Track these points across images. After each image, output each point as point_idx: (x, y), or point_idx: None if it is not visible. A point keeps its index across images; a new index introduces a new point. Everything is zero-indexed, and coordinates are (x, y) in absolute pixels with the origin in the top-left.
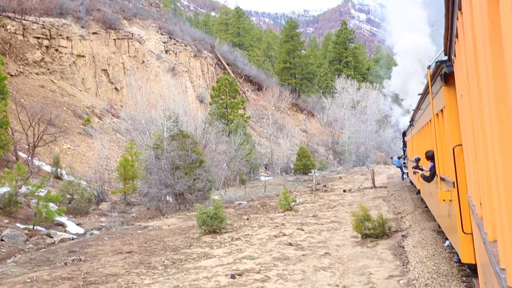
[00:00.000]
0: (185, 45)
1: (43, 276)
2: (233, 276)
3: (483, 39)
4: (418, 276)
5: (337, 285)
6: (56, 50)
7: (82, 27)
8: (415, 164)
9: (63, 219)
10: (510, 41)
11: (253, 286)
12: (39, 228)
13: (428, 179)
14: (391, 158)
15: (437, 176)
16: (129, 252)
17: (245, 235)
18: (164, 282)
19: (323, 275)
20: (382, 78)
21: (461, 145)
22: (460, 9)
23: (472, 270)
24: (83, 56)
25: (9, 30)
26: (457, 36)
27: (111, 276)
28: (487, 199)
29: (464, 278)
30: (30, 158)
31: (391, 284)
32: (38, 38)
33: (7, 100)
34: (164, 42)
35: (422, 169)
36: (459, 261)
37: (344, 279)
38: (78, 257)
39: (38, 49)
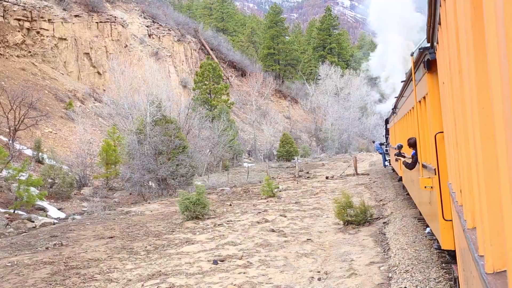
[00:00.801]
0: (169, 30)
1: (24, 260)
2: (215, 262)
3: (465, 26)
4: (399, 263)
5: (319, 271)
6: (38, 32)
7: (64, 9)
8: (397, 151)
9: (44, 203)
10: (492, 28)
11: (235, 272)
12: (20, 212)
13: (410, 166)
14: (373, 142)
15: (419, 163)
16: (111, 237)
17: (228, 221)
18: (146, 267)
19: (305, 261)
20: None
21: (442, 132)
22: None
23: (451, 257)
24: (65, 39)
25: None
26: (440, 23)
27: (93, 261)
28: (467, 187)
29: (443, 265)
30: (11, 141)
31: (372, 270)
32: (19, 20)
33: None
34: (147, 26)
35: (404, 156)
36: (439, 248)
37: (326, 265)
38: (60, 242)
39: (19, 31)
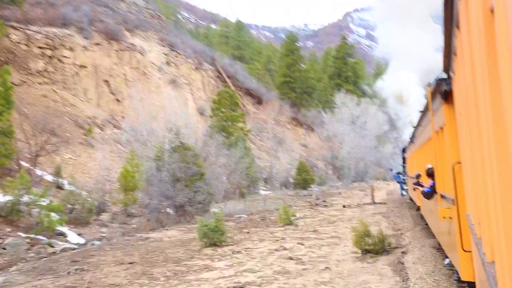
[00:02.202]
0: (186, 57)
1: (47, 284)
2: None
3: (480, 58)
4: None
5: None
6: (59, 60)
7: (85, 37)
8: (415, 180)
9: (64, 229)
10: (505, 61)
11: None
12: (40, 237)
13: (428, 196)
14: (391, 170)
15: (436, 193)
16: (131, 263)
17: (246, 248)
18: None
19: None
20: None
21: (460, 162)
22: (458, 26)
23: None
24: (85, 66)
25: (13, 40)
26: (455, 54)
27: (114, 286)
28: (486, 220)
29: None
30: (32, 167)
31: None
32: (41, 48)
33: (12, 110)
34: (165, 54)
35: (422, 186)
36: (458, 279)
37: None
38: (81, 267)
39: (41, 59)
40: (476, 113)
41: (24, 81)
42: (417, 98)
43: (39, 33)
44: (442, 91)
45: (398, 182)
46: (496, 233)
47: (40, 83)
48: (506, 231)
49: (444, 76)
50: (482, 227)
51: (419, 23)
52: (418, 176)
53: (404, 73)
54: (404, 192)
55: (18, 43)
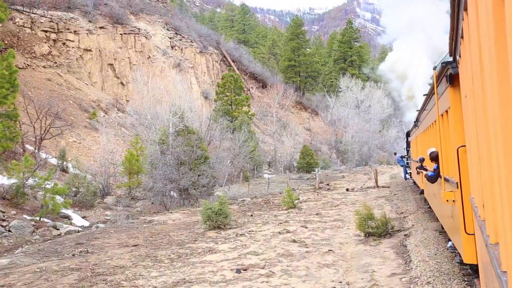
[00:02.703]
0: (191, 41)
1: (52, 266)
2: (238, 271)
3: (488, 41)
4: (420, 275)
5: (341, 282)
6: (63, 43)
7: (90, 21)
8: (419, 164)
9: (69, 211)
10: None
11: (258, 280)
12: (45, 220)
13: (432, 179)
14: (395, 154)
15: (440, 177)
16: (135, 245)
17: (250, 231)
18: (170, 275)
19: (327, 271)
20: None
21: (465, 146)
22: (465, 9)
23: (474, 271)
24: (89, 50)
25: (17, 23)
26: (462, 37)
27: (118, 268)
28: (490, 202)
29: (465, 278)
30: (37, 150)
31: (393, 281)
32: (45, 31)
33: (17, 93)
34: (170, 38)
35: (426, 169)
36: (461, 261)
37: (347, 276)
38: (85, 249)
39: (45, 42)
40: (482, 96)
41: (29, 65)
42: (422, 77)
43: (44, 16)
44: (448, 74)
45: (402, 166)
46: (500, 215)
47: (44, 67)
48: (511, 213)
49: (450, 59)
50: (486, 209)
51: (425, 4)
52: (422, 160)
53: (408, 52)
54: (407, 176)
55: (23, 26)
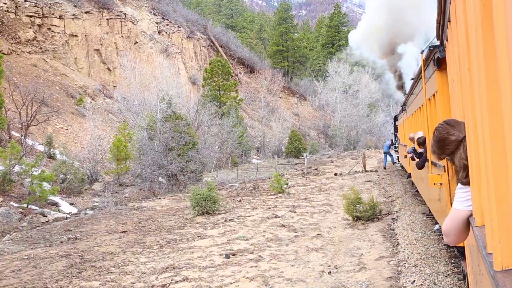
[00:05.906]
0: (178, 26)
1: (40, 253)
2: (227, 256)
3: (475, 24)
4: (408, 257)
5: (329, 265)
6: (49, 29)
7: (75, 6)
8: (411, 154)
9: (57, 198)
10: (501, 26)
11: (247, 265)
12: (33, 207)
13: (419, 165)
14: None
15: (428, 161)
16: (124, 232)
17: (238, 216)
18: (159, 260)
19: (315, 255)
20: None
21: None
22: None
23: (460, 253)
24: (75, 35)
25: (1, 8)
26: (449, 21)
27: (107, 254)
28: (476, 184)
29: (452, 260)
30: (23, 137)
31: (381, 264)
32: (30, 16)
33: (1, 79)
34: (157, 23)
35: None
36: (447, 244)
37: (335, 259)
38: (74, 236)
39: (30, 27)
40: (469, 80)
41: (14, 50)
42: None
43: (28, 1)
44: (435, 58)
45: (385, 153)
46: (486, 198)
47: (29, 52)
48: (497, 195)
49: (437, 43)
50: (472, 192)
51: None
52: (414, 150)
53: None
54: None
55: (7, 11)
